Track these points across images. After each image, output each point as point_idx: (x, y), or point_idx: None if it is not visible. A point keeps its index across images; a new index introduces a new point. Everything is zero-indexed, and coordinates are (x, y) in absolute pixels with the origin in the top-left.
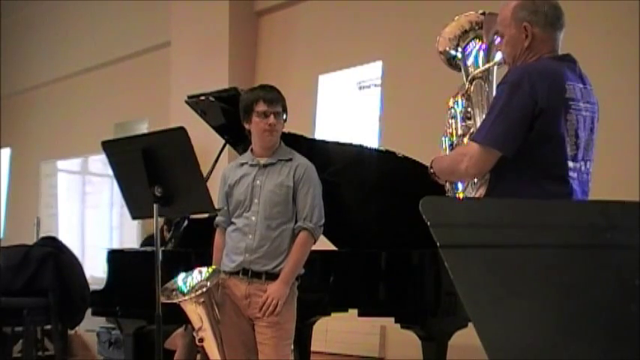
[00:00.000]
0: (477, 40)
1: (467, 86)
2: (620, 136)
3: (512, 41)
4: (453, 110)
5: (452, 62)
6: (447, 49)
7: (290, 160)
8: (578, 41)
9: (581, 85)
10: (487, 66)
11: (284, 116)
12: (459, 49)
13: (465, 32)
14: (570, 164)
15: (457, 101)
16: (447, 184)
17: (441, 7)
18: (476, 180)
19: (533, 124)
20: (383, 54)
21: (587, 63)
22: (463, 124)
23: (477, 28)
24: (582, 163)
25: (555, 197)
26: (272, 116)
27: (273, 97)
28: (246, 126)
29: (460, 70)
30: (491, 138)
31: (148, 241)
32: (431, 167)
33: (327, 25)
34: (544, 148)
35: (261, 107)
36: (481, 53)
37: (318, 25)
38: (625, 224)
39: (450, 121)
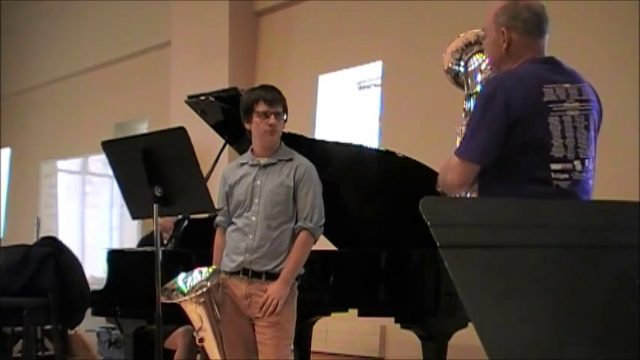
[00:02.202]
0: (480, 55)
1: (465, 105)
2: (620, 136)
3: (493, 44)
4: (464, 111)
5: (458, 80)
6: (451, 65)
7: (290, 160)
8: (578, 41)
9: (567, 85)
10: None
11: (284, 116)
12: (462, 63)
13: (469, 45)
14: (557, 166)
15: (469, 100)
16: None
17: (441, 8)
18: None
19: (510, 132)
20: (383, 54)
21: (587, 63)
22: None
23: (482, 41)
24: (576, 162)
25: (538, 198)
26: (272, 116)
27: (273, 97)
28: (247, 126)
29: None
30: (469, 152)
31: (144, 241)
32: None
33: (327, 25)
34: (523, 154)
35: (261, 107)
36: (483, 66)
37: (318, 25)
38: (625, 224)
39: (463, 121)
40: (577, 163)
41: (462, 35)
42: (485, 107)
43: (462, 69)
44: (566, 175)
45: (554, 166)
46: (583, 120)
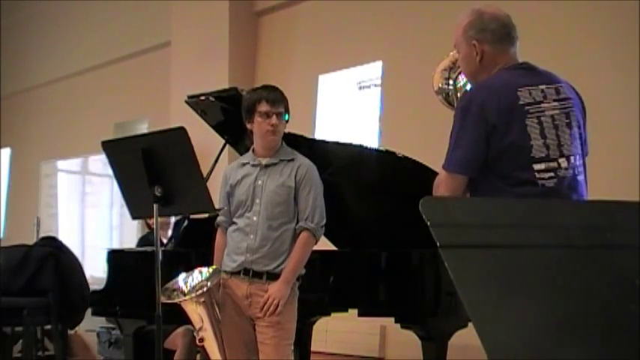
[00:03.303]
0: None
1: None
2: (620, 136)
3: (466, 59)
4: None
5: (448, 99)
6: (441, 84)
7: (292, 160)
8: (578, 42)
9: (543, 86)
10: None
11: (287, 117)
12: (450, 82)
13: (457, 62)
14: (539, 166)
15: None
16: None
17: (441, 7)
18: None
19: (489, 140)
20: (383, 54)
21: (587, 63)
22: None
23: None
24: (561, 160)
25: (524, 197)
26: (274, 117)
27: (275, 97)
28: (249, 126)
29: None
30: (454, 165)
31: (142, 241)
32: None
33: (327, 25)
34: (505, 159)
35: (263, 107)
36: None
37: (318, 25)
38: (625, 224)
39: None
40: (562, 160)
41: (450, 54)
42: (463, 119)
43: (451, 87)
44: (551, 174)
45: (537, 167)
46: (564, 118)
